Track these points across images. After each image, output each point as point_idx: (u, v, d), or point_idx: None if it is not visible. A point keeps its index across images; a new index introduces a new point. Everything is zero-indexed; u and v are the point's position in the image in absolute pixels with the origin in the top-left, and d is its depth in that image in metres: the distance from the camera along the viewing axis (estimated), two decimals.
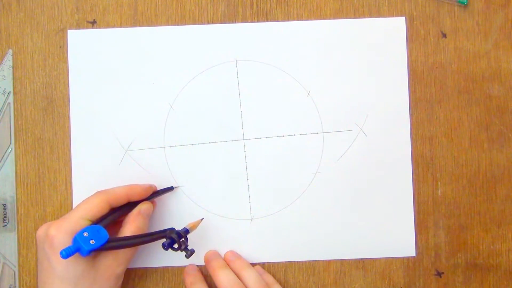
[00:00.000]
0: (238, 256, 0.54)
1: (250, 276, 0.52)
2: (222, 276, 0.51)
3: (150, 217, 0.53)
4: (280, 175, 0.55)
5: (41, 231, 0.49)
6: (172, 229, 0.50)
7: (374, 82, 0.56)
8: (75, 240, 0.47)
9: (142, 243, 0.50)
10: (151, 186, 0.54)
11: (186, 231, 0.50)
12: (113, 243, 0.48)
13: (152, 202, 0.54)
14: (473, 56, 0.56)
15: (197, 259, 0.55)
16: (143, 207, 0.52)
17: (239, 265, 0.53)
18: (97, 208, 0.50)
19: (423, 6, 0.56)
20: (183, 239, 0.49)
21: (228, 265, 0.53)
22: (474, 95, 0.56)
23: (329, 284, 0.55)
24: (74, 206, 0.55)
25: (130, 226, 0.51)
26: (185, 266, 0.55)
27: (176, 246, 0.49)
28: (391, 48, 0.56)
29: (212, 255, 0.54)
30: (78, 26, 0.56)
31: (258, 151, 0.55)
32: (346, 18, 0.56)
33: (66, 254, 0.46)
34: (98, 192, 0.51)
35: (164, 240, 0.49)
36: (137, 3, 0.56)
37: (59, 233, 0.48)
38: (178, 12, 0.56)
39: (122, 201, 0.52)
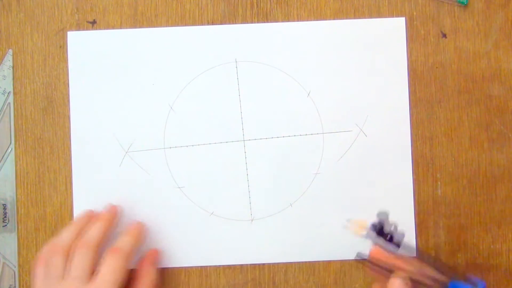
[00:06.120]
0: None
1: None
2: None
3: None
4: (280, 176, 0.55)
5: None
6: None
7: (374, 82, 0.56)
8: None
9: None
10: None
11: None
12: None
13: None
14: (473, 56, 0.56)
15: (205, 260, 0.55)
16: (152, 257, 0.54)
17: None
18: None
19: (423, 6, 0.56)
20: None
21: None
22: (474, 95, 0.56)
23: (329, 284, 0.55)
24: (74, 206, 0.55)
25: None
26: (185, 266, 0.55)
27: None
28: (391, 48, 0.56)
29: None
30: (78, 26, 0.56)
31: (258, 152, 0.55)
32: (346, 18, 0.56)
33: None
34: (120, 252, 0.50)
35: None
36: (137, 3, 0.56)
37: None
38: (178, 12, 0.56)
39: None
